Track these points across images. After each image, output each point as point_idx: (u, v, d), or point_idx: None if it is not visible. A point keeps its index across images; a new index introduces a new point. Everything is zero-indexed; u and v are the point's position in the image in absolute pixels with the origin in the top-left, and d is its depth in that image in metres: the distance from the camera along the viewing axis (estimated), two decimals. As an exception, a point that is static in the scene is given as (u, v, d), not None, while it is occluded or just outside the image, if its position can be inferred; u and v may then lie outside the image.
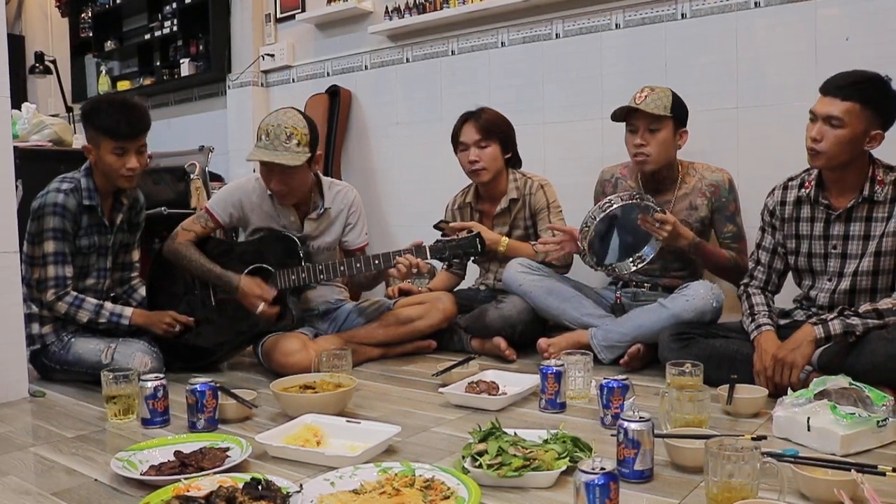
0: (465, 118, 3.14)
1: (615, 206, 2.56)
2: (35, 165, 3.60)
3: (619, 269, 2.78)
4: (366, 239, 3.05)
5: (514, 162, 3.19)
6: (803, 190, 2.39)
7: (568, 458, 1.63)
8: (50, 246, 2.56)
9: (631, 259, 2.74)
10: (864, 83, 2.19)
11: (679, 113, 2.78)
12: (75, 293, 2.62)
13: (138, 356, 2.54)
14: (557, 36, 3.63)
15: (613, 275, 2.86)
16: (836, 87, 2.21)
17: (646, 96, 2.74)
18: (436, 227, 2.83)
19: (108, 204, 2.71)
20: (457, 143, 3.15)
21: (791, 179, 2.46)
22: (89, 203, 2.61)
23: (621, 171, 3.00)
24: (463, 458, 1.68)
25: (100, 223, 2.68)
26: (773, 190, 2.50)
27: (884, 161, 2.30)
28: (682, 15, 3.25)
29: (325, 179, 2.98)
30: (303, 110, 4.42)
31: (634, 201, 2.57)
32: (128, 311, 2.69)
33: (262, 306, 2.69)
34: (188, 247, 2.84)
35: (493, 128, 3.09)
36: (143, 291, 2.93)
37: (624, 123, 2.83)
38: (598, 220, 2.57)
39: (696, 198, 2.82)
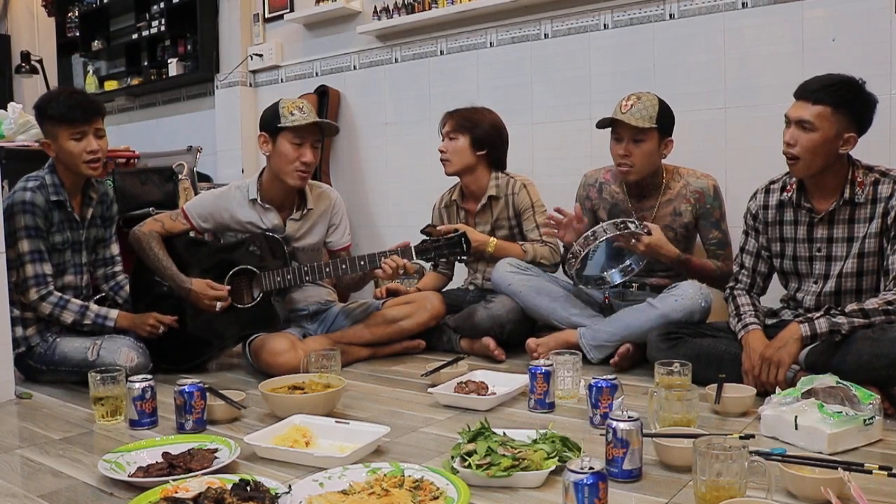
0: (451, 111, 3.20)
1: (600, 238, 2.52)
2: (21, 166, 3.55)
3: (606, 279, 2.78)
4: (349, 239, 3.05)
5: (495, 163, 3.17)
6: (785, 194, 2.39)
7: (557, 458, 1.64)
8: (25, 245, 2.54)
9: (618, 270, 2.74)
10: (835, 86, 2.19)
11: (665, 123, 2.71)
12: (59, 294, 2.60)
13: (124, 351, 2.53)
14: (546, 36, 3.64)
15: (603, 286, 2.83)
16: (809, 91, 2.22)
17: (632, 105, 2.68)
18: (423, 231, 2.81)
19: (77, 200, 2.70)
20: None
21: (773, 182, 2.46)
22: (57, 198, 2.60)
23: (604, 176, 2.95)
24: (452, 458, 1.68)
25: (70, 218, 2.66)
26: (756, 193, 2.50)
27: (864, 162, 2.30)
28: (671, 15, 3.26)
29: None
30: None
31: (619, 231, 2.53)
32: (113, 313, 2.68)
33: (219, 305, 2.70)
34: (151, 238, 2.80)
35: (464, 122, 3.13)
36: (129, 289, 2.91)
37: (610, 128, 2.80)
38: (584, 253, 2.54)
39: (679, 204, 2.79)
